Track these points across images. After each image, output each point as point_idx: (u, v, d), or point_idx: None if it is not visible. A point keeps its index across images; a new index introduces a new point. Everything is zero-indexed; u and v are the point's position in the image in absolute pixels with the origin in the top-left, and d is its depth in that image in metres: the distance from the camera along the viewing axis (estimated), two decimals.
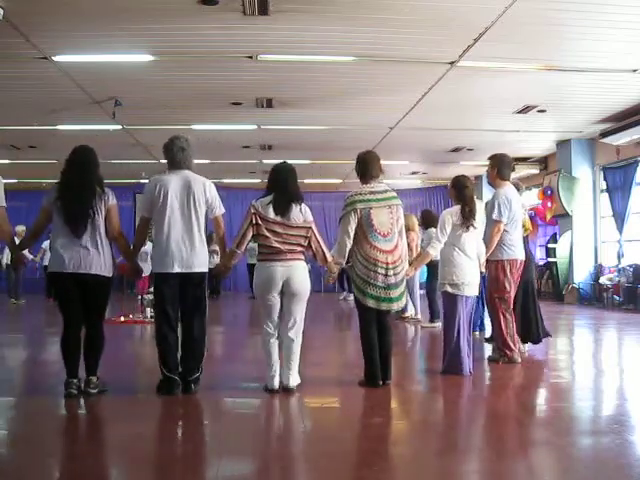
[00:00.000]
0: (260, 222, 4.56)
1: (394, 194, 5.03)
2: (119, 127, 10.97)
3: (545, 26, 6.68)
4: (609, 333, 8.88)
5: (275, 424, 4.25)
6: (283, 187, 4.65)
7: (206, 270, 4.67)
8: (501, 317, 5.77)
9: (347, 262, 5.07)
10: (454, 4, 6.19)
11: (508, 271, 5.74)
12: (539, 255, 14.22)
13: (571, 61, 7.84)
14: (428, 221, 9.02)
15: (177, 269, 4.52)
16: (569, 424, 3.97)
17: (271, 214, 4.58)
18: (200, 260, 4.60)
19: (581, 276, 12.79)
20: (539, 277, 13.85)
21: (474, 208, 5.33)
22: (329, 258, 4.81)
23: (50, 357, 6.19)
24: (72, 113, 10.02)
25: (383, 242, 4.80)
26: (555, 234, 13.73)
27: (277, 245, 4.55)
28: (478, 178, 16.75)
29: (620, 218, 11.88)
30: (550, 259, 13.70)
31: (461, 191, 5.39)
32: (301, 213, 4.65)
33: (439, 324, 8.74)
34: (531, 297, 6.43)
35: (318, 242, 4.72)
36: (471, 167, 15.65)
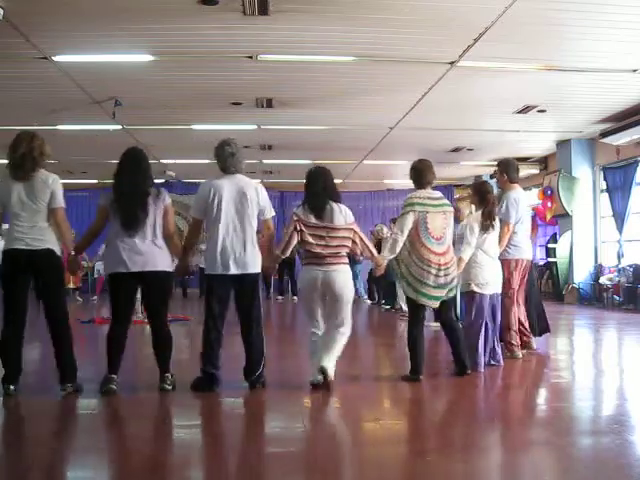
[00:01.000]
0: (304, 228, 4.72)
1: (447, 202, 5.34)
2: (119, 127, 10.97)
3: (545, 26, 6.68)
4: (609, 333, 8.88)
5: (275, 423, 4.25)
6: (317, 191, 4.82)
7: (258, 271, 4.78)
8: (505, 314, 5.96)
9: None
10: (454, 4, 6.19)
11: (514, 269, 6.03)
12: (539, 255, 14.20)
13: (571, 61, 7.83)
14: None
15: (231, 271, 4.63)
16: (569, 424, 3.97)
17: (312, 219, 4.75)
18: (253, 261, 4.71)
19: (581, 276, 12.79)
20: (539, 277, 13.85)
21: (494, 211, 5.68)
22: (375, 253, 5.07)
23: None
24: (72, 113, 10.01)
25: (436, 245, 5.05)
26: (555, 234, 13.72)
27: (318, 250, 4.72)
28: (478, 178, 16.76)
29: (620, 218, 11.88)
30: (550, 259, 13.69)
31: (484, 196, 5.70)
32: (342, 215, 4.81)
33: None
34: (533, 294, 6.78)
35: (363, 240, 4.93)
36: (471, 167, 15.66)
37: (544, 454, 3.38)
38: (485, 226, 5.55)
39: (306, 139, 12.36)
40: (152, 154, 13.18)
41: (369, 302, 13.23)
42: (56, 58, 7.56)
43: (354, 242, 4.85)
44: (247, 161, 16.60)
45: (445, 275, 5.05)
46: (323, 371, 4.65)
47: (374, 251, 5.06)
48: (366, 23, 6.59)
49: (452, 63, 7.86)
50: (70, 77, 8.27)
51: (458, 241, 5.57)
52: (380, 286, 12.40)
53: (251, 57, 7.61)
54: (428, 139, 12.53)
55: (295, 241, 4.76)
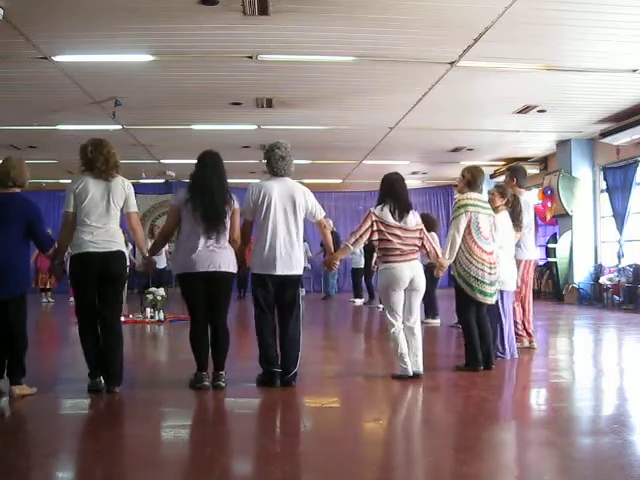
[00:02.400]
0: (382, 228, 5.06)
1: (490, 206, 5.68)
2: (119, 127, 10.97)
3: (545, 26, 6.68)
4: (609, 333, 8.87)
5: (277, 423, 4.25)
6: (401, 196, 5.18)
7: (301, 272, 4.97)
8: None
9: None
10: (454, 4, 6.19)
11: (522, 270, 6.30)
12: (539, 255, 14.19)
13: (571, 61, 7.84)
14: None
15: (277, 271, 4.77)
16: (569, 424, 3.97)
17: (390, 219, 5.07)
18: (297, 263, 4.88)
19: (581, 276, 12.79)
20: (539, 277, 13.85)
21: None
22: (440, 255, 5.33)
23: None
24: (72, 113, 10.02)
25: (486, 245, 5.42)
26: (555, 234, 13.72)
27: (399, 246, 5.04)
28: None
29: (620, 218, 11.88)
30: (550, 259, 13.69)
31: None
32: (414, 217, 5.19)
33: (438, 321, 9.10)
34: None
35: (430, 241, 5.27)
36: None
37: (544, 454, 3.38)
38: (516, 228, 6.04)
39: (306, 139, 12.35)
40: (152, 154, 13.22)
41: (359, 302, 13.19)
42: (56, 58, 7.56)
43: (422, 243, 5.18)
44: (247, 161, 16.62)
45: (494, 273, 5.42)
46: (418, 375, 5.02)
47: (439, 252, 5.33)
48: (366, 23, 6.60)
49: (452, 63, 7.86)
50: (70, 77, 8.27)
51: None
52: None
53: (251, 57, 7.62)
54: (428, 139, 12.54)
55: (367, 237, 5.08)
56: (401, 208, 5.12)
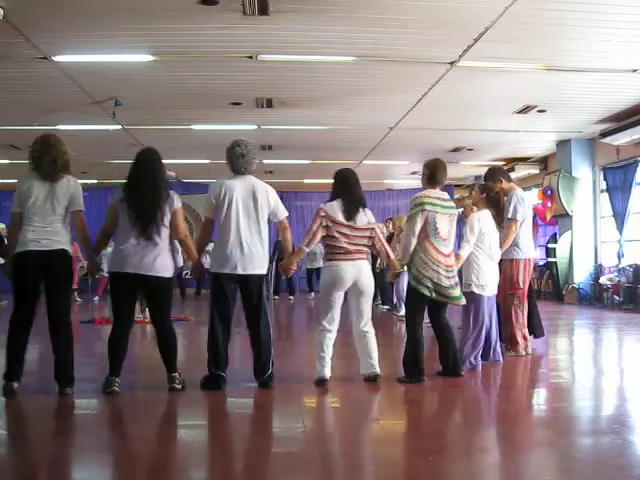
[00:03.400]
0: (330, 224, 4.83)
1: (453, 205, 5.29)
2: (119, 127, 10.97)
3: (545, 26, 6.67)
4: (609, 333, 8.87)
5: (276, 423, 4.25)
6: (351, 193, 4.96)
7: (264, 272, 4.82)
8: (513, 313, 6.06)
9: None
10: (454, 4, 6.19)
11: (522, 269, 6.08)
12: (539, 255, 14.20)
13: (571, 61, 7.83)
14: None
15: (238, 271, 4.67)
16: (569, 424, 3.97)
17: (340, 217, 4.85)
18: (260, 263, 4.75)
19: (581, 276, 12.79)
20: (539, 277, 13.85)
21: (503, 210, 5.81)
22: (392, 256, 5.13)
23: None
24: (72, 113, 10.02)
25: (444, 246, 5.05)
26: (555, 234, 13.72)
27: (345, 245, 4.82)
28: (478, 178, 16.75)
29: (620, 218, 11.88)
30: (550, 259, 13.69)
31: (495, 196, 5.79)
32: (365, 216, 4.95)
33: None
34: (534, 294, 6.93)
35: (381, 242, 5.03)
36: (471, 167, 15.66)
37: (544, 454, 3.38)
38: (498, 227, 5.68)
39: (306, 139, 12.36)
40: None
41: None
42: (56, 58, 7.56)
43: (373, 243, 4.97)
44: None
45: (452, 276, 5.07)
46: (375, 378, 4.87)
47: (391, 254, 5.12)
48: (366, 23, 6.59)
49: (452, 63, 7.86)
50: (70, 77, 8.27)
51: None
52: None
53: (251, 57, 7.61)
54: (428, 139, 12.53)
55: (320, 236, 4.86)
56: (352, 206, 4.90)
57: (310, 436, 3.80)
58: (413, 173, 16.59)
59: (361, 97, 9.52)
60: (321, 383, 4.80)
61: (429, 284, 4.97)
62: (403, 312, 9.32)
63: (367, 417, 4.33)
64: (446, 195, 5.26)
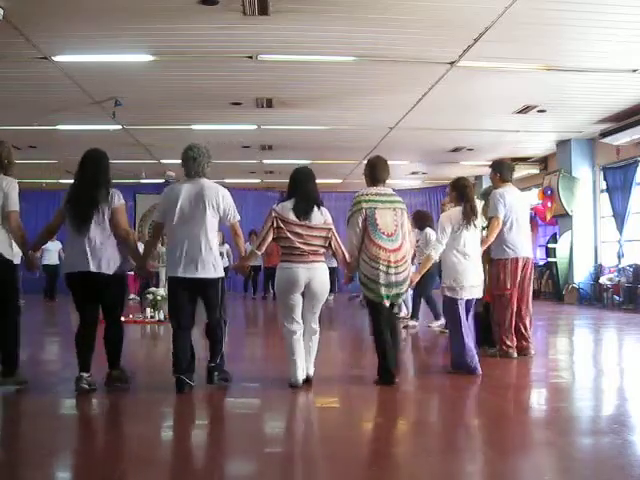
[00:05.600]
0: (281, 225, 4.72)
1: (400, 199, 5.15)
2: (119, 127, 10.97)
3: (545, 26, 6.68)
4: (609, 333, 8.87)
5: (276, 423, 4.25)
6: (305, 192, 4.84)
7: (214, 275, 4.73)
8: (498, 314, 5.96)
9: None
10: (454, 4, 6.19)
11: (509, 270, 5.94)
12: (539, 255, 14.21)
13: (571, 61, 7.84)
14: (423, 221, 8.84)
15: (188, 274, 4.64)
16: (569, 424, 3.97)
17: (292, 217, 4.75)
18: (209, 265, 4.68)
19: (581, 276, 12.79)
20: (539, 277, 13.85)
21: (475, 206, 5.49)
22: (348, 259, 4.98)
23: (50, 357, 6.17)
24: (72, 113, 10.02)
25: (387, 241, 4.88)
26: (555, 234, 13.71)
27: (299, 246, 4.71)
28: (478, 178, 16.76)
29: (620, 218, 11.88)
30: (550, 259, 13.69)
31: (463, 191, 5.51)
32: (322, 215, 4.84)
33: (417, 323, 8.78)
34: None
35: (338, 243, 4.94)
36: (471, 167, 15.66)
37: (544, 454, 3.38)
38: (467, 224, 5.34)
39: (306, 139, 12.36)
40: (152, 154, 13.20)
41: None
42: (56, 58, 7.57)
43: (329, 244, 4.87)
44: (247, 161, 16.56)
45: (396, 274, 4.88)
46: (308, 379, 4.78)
47: (347, 256, 4.99)
48: (366, 23, 6.60)
49: (452, 63, 7.86)
50: (70, 77, 8.27)
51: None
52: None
53: (251, 57, 7.62)
54: (428, 139, 12.54)
55: (271, 237, 4.75)
56: (306, 205, 4.78)
57: (310, 436, 3.80)
58: (413, 173, 16.61)
59: (361, 97, 9.52)
60: (295, 387, 4.73)
61: (374, 287, 4.86)
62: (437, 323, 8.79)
63: (366, 417, 4.32)
64: (389, 190, 5.15)
